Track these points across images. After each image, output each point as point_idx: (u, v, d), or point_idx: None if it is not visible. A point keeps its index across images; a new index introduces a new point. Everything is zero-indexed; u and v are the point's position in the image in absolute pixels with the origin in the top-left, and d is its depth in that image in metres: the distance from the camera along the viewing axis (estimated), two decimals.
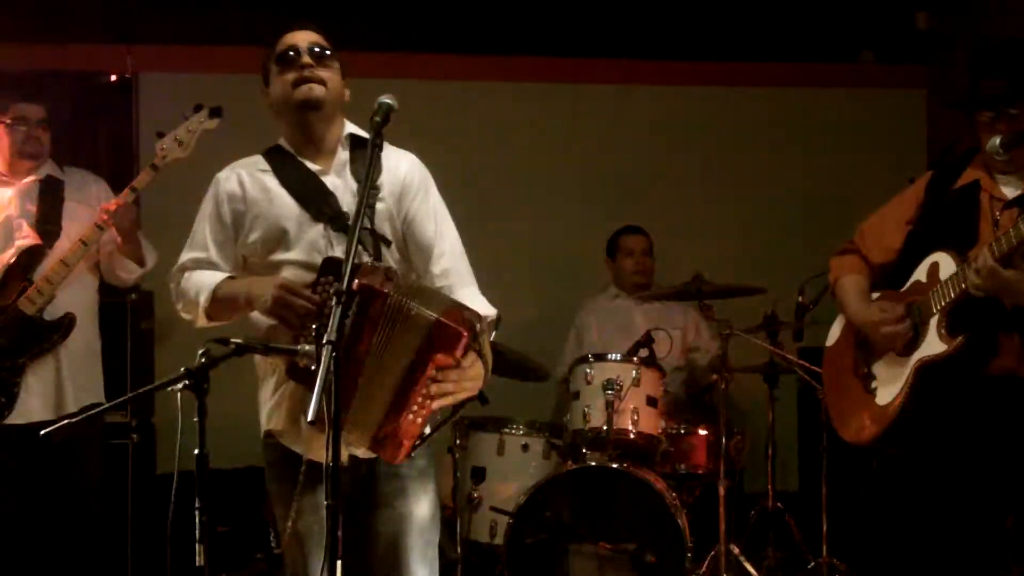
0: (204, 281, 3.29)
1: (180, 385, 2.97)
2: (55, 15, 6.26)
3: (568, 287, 6.60)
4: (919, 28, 6.91)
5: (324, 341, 2.71)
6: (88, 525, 4.76)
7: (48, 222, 4.72)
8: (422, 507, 3.35)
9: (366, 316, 2.95)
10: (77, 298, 4.72)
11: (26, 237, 4.69)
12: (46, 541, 4.71)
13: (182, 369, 2.99)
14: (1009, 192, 3.58)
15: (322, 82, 3.29)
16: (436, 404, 3.06)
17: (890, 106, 7.03)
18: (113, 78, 6.43)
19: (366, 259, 3.18)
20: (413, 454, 3.15)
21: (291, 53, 3.31)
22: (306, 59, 3.29)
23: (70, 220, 4.74)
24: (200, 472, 2.96)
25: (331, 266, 3.10)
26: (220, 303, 3.27)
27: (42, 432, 3.17)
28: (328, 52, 3.33)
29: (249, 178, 3.34)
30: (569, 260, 6.71)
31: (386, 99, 3.11)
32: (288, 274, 3.23)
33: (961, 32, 6.56)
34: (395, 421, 3.04)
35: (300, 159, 3.34)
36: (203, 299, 3.27)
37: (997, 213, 3.55)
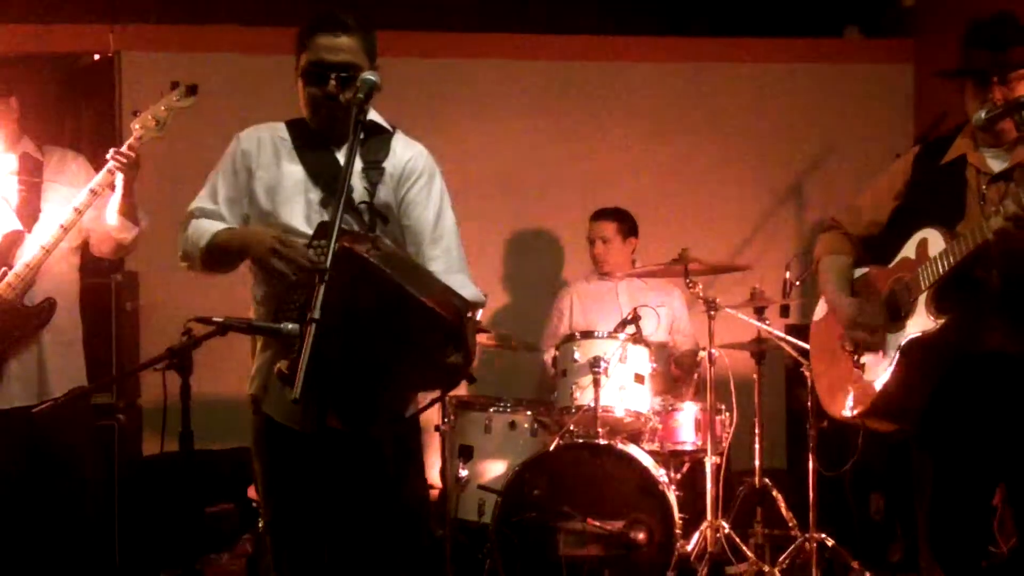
0: (206, 228, 3.36)
1: (163, 365, 2.96)
2: None
3: (552, 266, 6.58)
4: (905, 3, 6.89)
5: (308, 319, 2.71)
6: (79, 510, 4.73)
7: (27, 205, 4.66)
8: (404, 488, 3.35)
9: (347, 280, 2.92)
10: (58, 282, 4.64)
11: (5, 222, 4.65)
12: (35, 526, 4.68)
13: (166, 349, 2.98)
14: (996, 166, 3.56)
15: (344, 108, 3.26)
16: (415, 389, 3.06)
17: (877, 81, 7.01)
18: (96, 58, 6.38)
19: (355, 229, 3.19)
20: (399, 433, 3.15)
21: (319, 73, 3.28)
22: (331, 87, 3.26)
23: (49, 202, 4.67)
24: (184, 451, 2.95)
25: (326, 231, 3.12)
26: (217, 250, 3.33)
27: (34, 410, 3.15)
28: (355, 75, 3.24)
29: (268, 142, 3.40)
30: (553, 239, 6.69)
31: (369, 76, 3.14)
32: None
33: (947, 6, 6.54)
34: (373, 395, 3.04)
35: (319, 136, 3.38)
36: (203, 243, 3.33)
37: (984, 187, 3.54)
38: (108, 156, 4.45)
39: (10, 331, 4.53)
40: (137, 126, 4.39)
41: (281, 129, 3.43)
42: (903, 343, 3.56)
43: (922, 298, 3.52)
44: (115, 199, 4.54)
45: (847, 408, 3.78)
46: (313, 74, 3.28)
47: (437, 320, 2.96)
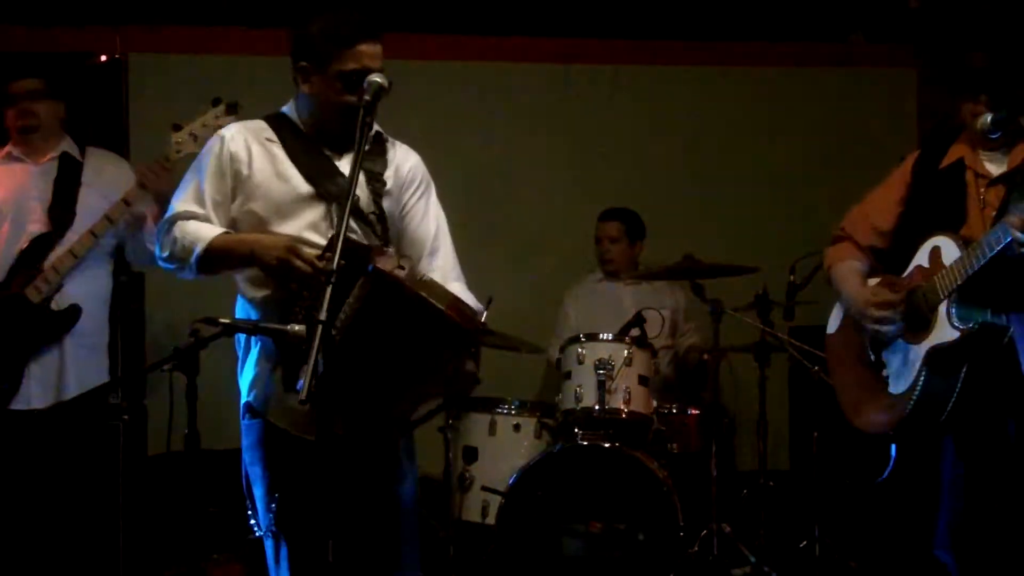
0: (202, 231, 3.23)
1: (170, 366, 2.97)
2: None
3: (556, 267, 6.59)
4: (910, 7, 6.90)
5: (315, 320, 2.71)
6: (84, 510, 4.73)
7: (61, 208, 4.64)
8: (407, 487, 3.37)
9: (379, 302, 2.94)
10: (87, 287, 4.64)
11: (37, 223, 4.64)
12: (40, 524, 4.70)
13: (173, 349, 2.99)
14: (994, 169, 3.55)
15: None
16: (430, 399, 3.07)
17: (880, 85, 7.02)
18: (103, 59, 6.39)
19: (375, 242, 3.20)
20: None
21: (362, 79, 3.17)
22: (368, 98, 3.14)
23: (84, 207, 4.65)
24: (189, 450, 2.97)
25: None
26: (217, 254, 3.21)
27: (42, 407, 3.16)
28: (390, 81, 3.18)
29: (256, 144, 3.29)
30: (557, 240, 6.70)
31: (376, 78, 3.11)
32: None
33: (952, 11, 6.54)
34: (394, 408, 3.06)
35: (313, 139, 3.32)
36: (199, 248, 3.20)
37: (983, 191, 3.53)
38: (137, 179, 4.47)
39: (33, 334, 4.53)
40: (175, 140, 4.37)
41: (266, 129, 3.34)
42: (927, 354, 3.54)
43: (942, 308, 3.50)
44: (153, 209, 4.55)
45: (875, 422, 3.75)
46: (354, 82, 3.17)
47: (458, 331, 2.98)
